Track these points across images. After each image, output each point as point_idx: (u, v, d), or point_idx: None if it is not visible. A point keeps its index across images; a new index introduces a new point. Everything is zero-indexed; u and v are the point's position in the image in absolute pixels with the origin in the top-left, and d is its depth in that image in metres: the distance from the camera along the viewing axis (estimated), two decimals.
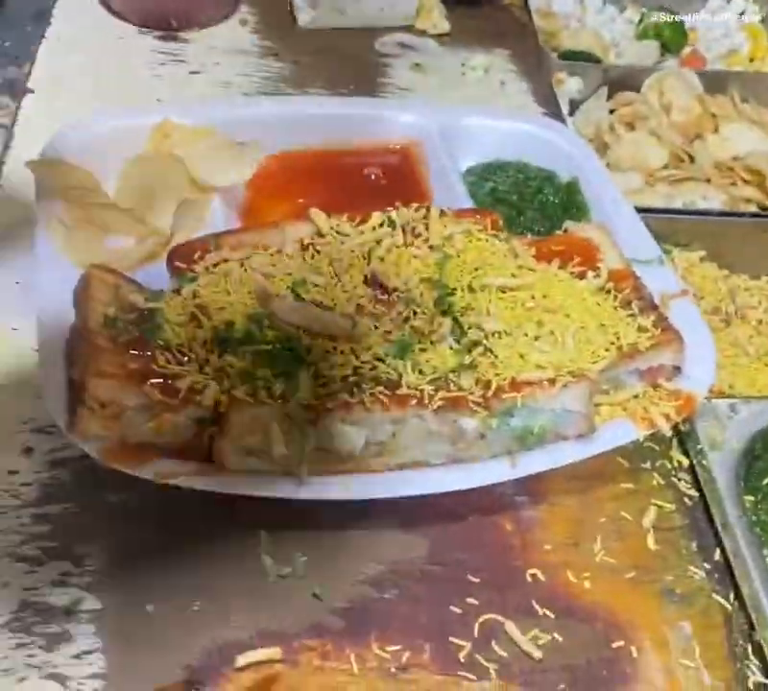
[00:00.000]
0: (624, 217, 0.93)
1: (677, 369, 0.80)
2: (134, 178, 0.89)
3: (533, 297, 0.79)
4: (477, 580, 0.72)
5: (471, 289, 0.79)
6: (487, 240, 0.82)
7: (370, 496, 0.71)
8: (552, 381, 0.73)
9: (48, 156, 0.89)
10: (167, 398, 0.68)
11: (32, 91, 1.08)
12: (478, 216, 0.85)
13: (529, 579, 0.73)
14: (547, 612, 0.71)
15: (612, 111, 1.28)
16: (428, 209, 0.85)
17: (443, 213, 0.84)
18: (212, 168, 0.91)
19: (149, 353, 0.70)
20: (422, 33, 1.24)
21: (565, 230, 0.88)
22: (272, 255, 0.80)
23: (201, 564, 0.70)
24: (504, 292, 0.79)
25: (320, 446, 0.71)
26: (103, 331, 0.71)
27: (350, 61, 1.19)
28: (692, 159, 1.24)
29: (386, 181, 1.01)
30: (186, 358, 0.71)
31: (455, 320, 0.77)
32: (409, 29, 1.25)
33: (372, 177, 1.01)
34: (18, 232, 0.91)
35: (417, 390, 0.72)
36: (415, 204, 0.84)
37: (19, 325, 0.84)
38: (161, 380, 0.69)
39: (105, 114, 0.94)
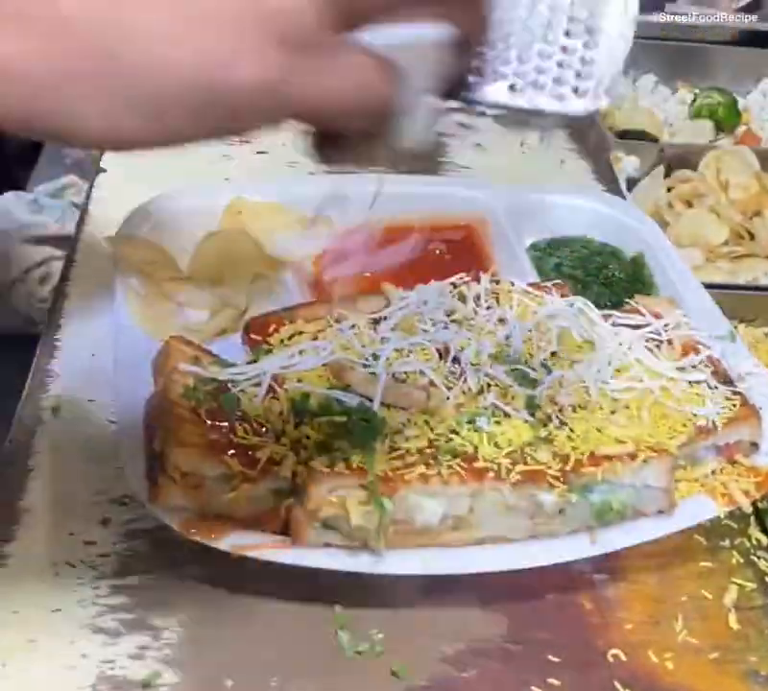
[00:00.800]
0: (692, 292, 0.94)
1: (754, 446, 0.79)
2: (208, 254, 0.91)
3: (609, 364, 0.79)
4: (558, 659, 0.71)
5: (544, 362, 0.80)
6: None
7: (449, 572, 0.70)
8: (633, 456, 0.72)
9: (124, 233, 0.91)
10: (246, 469, 0.69)
11: (104, 170, 1.12)
12: (548, 288, 0.86)
13: (610, 659, 0.71)
14: None
15: (669, 189, 1.30)
16: (498, 282, 0.86)
17: (512, 285, 0.85)
18: (283, 243, 0.93)
19: (228, 424, 0.71)
20: (481, 113, 1.27)
21: (635, 304, 0.88)
22: (345, 328, 0.81)
23: (278, 639, 0.69)
24: (579, 363, 0.79)
25: (396, 519, 0.70)
26: (183, 401, 0.72)
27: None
28: (752, 236, 1.24)
29: (450, 257, 1.03)
30: (264, 429, 0.72)
31: (529, 393, 0.77)
32: (467, 110, 1.27)
33: (437, 252, 1.03)
34: (94, 305, 0.93)
35: (493, 463, 0.71)
36: (485, 276, 0.86)
37: (96, 397, 0.85)
38: (241, 451, 0.70)
39: (178, 193, 0.97)
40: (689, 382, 0.79)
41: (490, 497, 0.71)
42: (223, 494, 0.69)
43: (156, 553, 0.74)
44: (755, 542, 0.80)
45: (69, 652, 0.67)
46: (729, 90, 1.48)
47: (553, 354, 0.80)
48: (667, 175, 1.31)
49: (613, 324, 0.84)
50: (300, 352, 0.77)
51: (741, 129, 1.48)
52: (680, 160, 1.31)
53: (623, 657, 0.71)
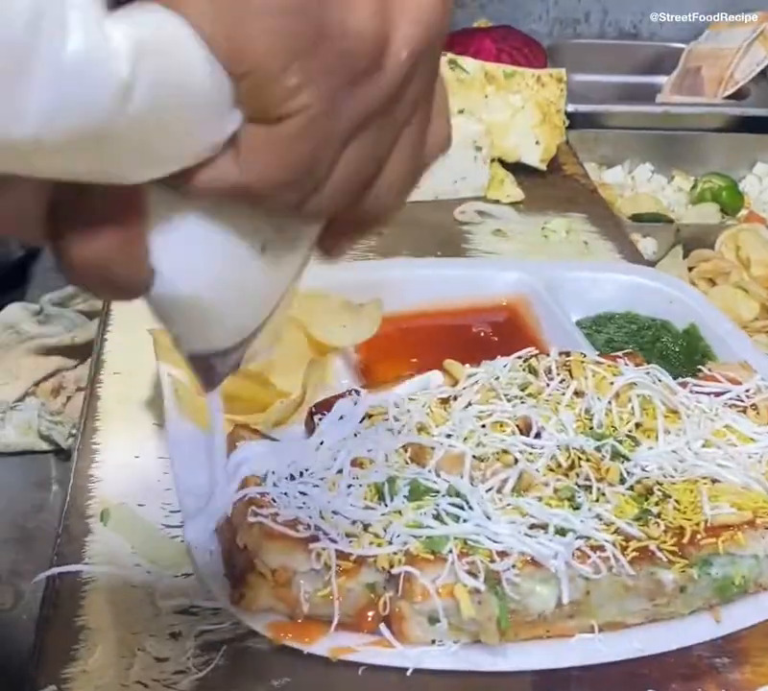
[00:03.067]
0: (757, 358, 0.90)
1: None
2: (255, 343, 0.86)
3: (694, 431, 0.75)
4: None
5: (629, 434, 0.75)
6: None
7: (570, 664, 0.63)
8: (752, 523, 0.67)
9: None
10: (340, 561, 0.62)
11: None
12: (620, 357, 0.82)
13: None
14: None
15: (689, 269, 1.29)
16: (568, 354, 0.82)
17: (583, 356, 0.81)
18: (332, 329, 0.89)
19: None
20: (497, 201, 1.26)
21: (709, 370, 0.84)
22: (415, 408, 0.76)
23: None
24: (668, 432, 0.75)
25: (509, 608, 0.64)
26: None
27: (433, 230, 1.19)
28: None
29: (497, 338, 0.99)
30: (352, 521, 0.66)
31: (623, 466, 0.72)
32: (483, 199, 1.27)
33: (482, 334, 0.99)
34: (132, 405, 0.87)
35: (604, 541, 0.66)
36: (554, 348, 0.82)
37: (145, 501, 0.78)
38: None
39: None
40: None
41: (606, 579, 0.65)
42: (315, 592, 0.63)
43: (238, 666, 0.66)
44: None
45: None
46: (728, 175, 1.50)
47: (637, 425, 0.76)
48: (685, 255, 1.30)
49: (692, 392, 0.81)
50: (375, 432, 0.72)
51: (743, 212, 1.49)
52: (696, 240, 1.31)
53: None
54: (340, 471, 0.68)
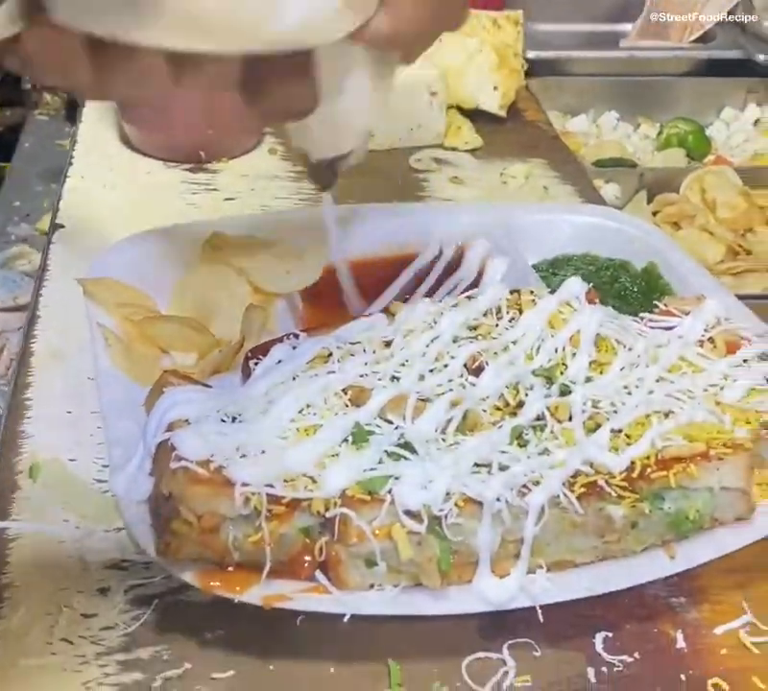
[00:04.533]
0: (717, 294, 0.87)
1: None
2: (190, 291, 0.83)
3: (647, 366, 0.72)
4: None
5: (582, 370, 0.72)
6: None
7: (514, 606, 0.60)
8: (705, 455, 0.64)
9: (96, 275, 0.82)
10: (271, 505, 0.59)
11: (62, 226, 1.03)
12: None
13: (712, 689, 0.61)
14: None
15: (654, 213, 1.25)
16: (519, 292, 0.78)
17: (533, 294, 0.78)
18: (273, 276, 0.85)
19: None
20: (455, 149, 1.22)
21: (665, 305, 0.81)
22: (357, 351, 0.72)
23: None
24: (622, 369, 0.72)
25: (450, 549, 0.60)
26: None
27: (387, 178, 1.16)
28: (747, 252, 1.19)
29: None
30: None
31: (573, 401, 0.69)
32: (441, 146, 1.22)
33: (434, 279, 0.95)
34: (66, 360, 0.84)
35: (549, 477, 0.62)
36: (502, 286, 0.78)
37: (77, 456, 0.75)
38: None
39: (150, 233, 0.89)
40: (745, 377, 0.71)
41: (553, 515, 0.61)
42: (245, 538, 0.59)
43: (168, 619, 0.63)
44: None
45: None
46: (694, 120, 1.46)
47: (591, 362, 0.73)
48: (650, 200, 1.26)
49: (648, 327, 0.77)
50: (312, 377, 0.69)
51: (710, 157, 1.45)
52: (660, 184, 1.27)
53: (725, 687, 0.61)
54: (275, 416, 0.65)
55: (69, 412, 0.79)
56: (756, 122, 1.52)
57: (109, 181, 1.11)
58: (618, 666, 0.62)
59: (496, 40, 1.28)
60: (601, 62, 1.51)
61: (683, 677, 0.62)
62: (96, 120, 1.25)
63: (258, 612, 0.59)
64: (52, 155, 1.35)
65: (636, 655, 0.63)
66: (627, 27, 1.67)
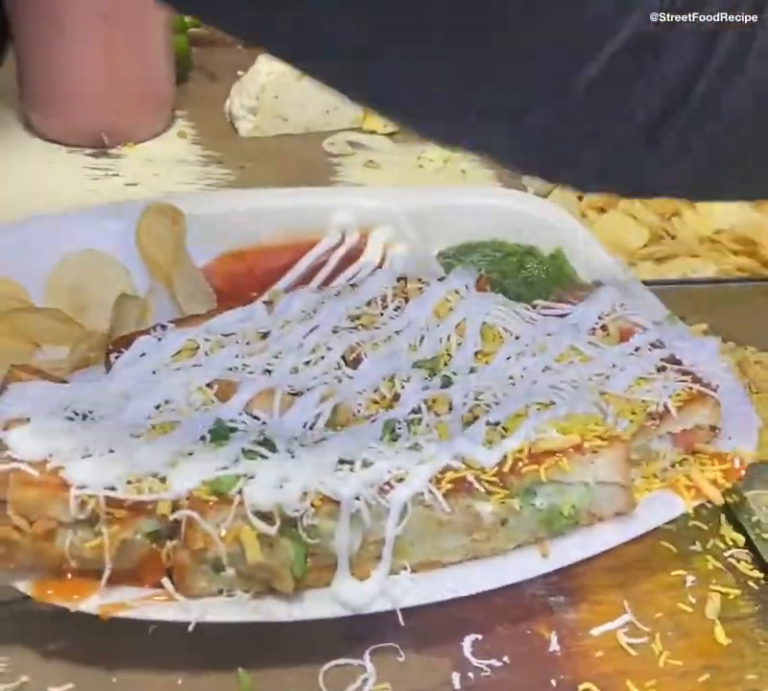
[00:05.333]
0: (621, 280, 0.84)
1: (714, 430, 0.69)
2: (64, 281, 0.79)
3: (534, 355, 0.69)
4: None
5: (465, 361, 0.69)
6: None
7: (376, 609, 0.57)
8: (579, 448, 0.61)
9: None
10: (111, 508, 0.55)
11: None
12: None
13: None
14: None
15: (580, 199, 1.22)
16: (405, 280, 0.75)
17: (421, 282, 0.75)
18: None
19: None
20: (372, 132, 1.19)
21: (562, 292, 0.78)
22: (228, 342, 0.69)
23: None
24: (508, 359, 0.69)
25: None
26: None
27: (299, 163, 1.12)
28: (671, 237, 1.16)
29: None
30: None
31: (451, 394, 0.65)
32: (358, 130, 1.19)
33: (332, 267, 0.92)
34: None
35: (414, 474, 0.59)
36: (387, 272, 0.75)
37: None
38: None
39: (23, 221, 0.85)
40: (634, 366, 0.68)
41: (416, 514, 0.58)
42: (83, 543, 0.56)
43: (7, 630, 0.59)
44: (730, 542, 0.69)
45: None
46: None
47: (477, 353, 0.70)
48: None
49: (540, 315, 0.74)
50: (174, 371, 0.65)
51: None
52: None
53: None
54: (130, 413, 0.61)
55: None
56: None
57: (8, 171, 1.07)
58: (486, 671, 0.59)
59: None
60: None
61: (553, 682, 0.59)
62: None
63: (105, 623, 0.55)
64: None
65: (506, 659, 0.60)
66: None
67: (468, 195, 0.99)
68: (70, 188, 1.04)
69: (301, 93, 1.16)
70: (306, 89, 1.14)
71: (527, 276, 0.91)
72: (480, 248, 0.94)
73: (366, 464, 0.59)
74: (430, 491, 0.58)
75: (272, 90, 1.15)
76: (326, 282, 0.88)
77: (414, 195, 0.97)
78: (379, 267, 0.90)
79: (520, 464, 0.60)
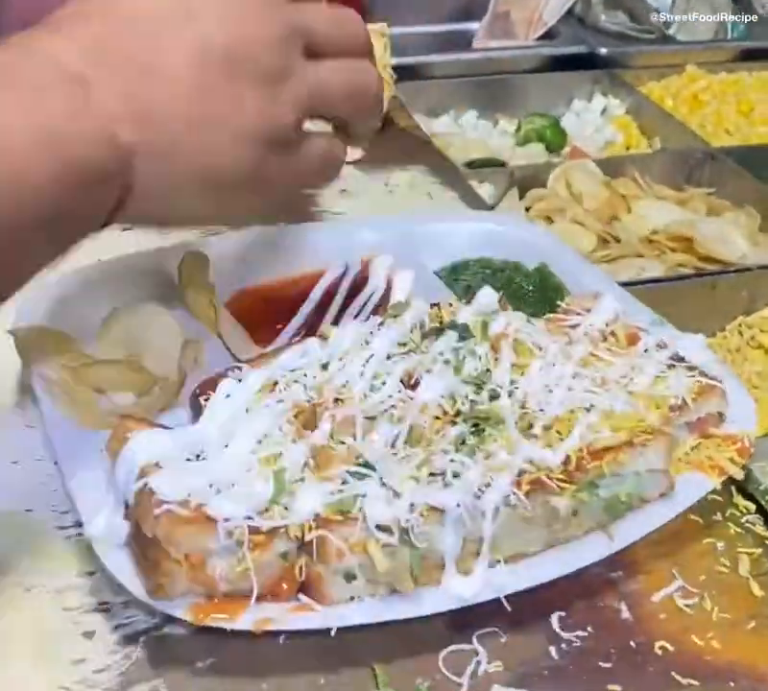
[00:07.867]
0: (607, 288, 0.95)
1: (720, 416, 0.80)
2: (118, 330, 0.85)
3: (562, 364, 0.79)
4: (609, 665, 0.68)
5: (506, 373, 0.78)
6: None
7: (482, 599, 0.66)
8: (630, 443, 0.71)
9: (24, 323, 0.84)
10: (252, 535, 0.63)
11: None
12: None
13: (659, 651, 0.69)
14: (692, 681, 0.67)
15: (527, 209, 1.33)
16: (438, 305, 0.84)
17: (451, 306, 0.84)
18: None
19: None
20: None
21: (567, 304, 0.88)
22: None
23: None
24: (541, 369, 0.78)
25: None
26: None
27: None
28: (617, 240, 1.28)
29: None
30: None
31: (502, 406, 0.75)
32: None
33: (344, 295, 1.00)
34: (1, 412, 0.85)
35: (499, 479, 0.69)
36: (419, 301, 0.84)
37: (32, 506, 0.76)
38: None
39: (67, 276, 0.90)
40: (649, 366, 0.79)
41: (506, 513, 0.68)
42: (231, 569, 0.63)
43: (159, 654, 0.66)
44: (744, 510, 0.81)
45: None
46: (549, 114, 1.55)
47: (512, 366, 0.79)
48: (522, 196, 1.34)
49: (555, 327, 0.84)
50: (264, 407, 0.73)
51: (566, 149, 1.54)
52: (529, 181, 1.34)
53: (671, 648, 0.69)
54: (237, 449, 0.69)
55: (15, 462, 0.80)
56: (604, 111, 1.62)
57: None
58: (576, 641, 0.69)
59: None
60: (457, 64, 1.58)
61: (632, 644, 0.69)
62: None
63: (244, 637, 0.63)
64: None
65: (589, 629, 0.70)
66: (473, 26, 1.75)
67: (452, 219, 1.09)
68: None
69: None
70: None
71: (517, 290, 1.01)
72: (471, 266, 1.03)
73: (455, 475, 0.68)
74: (514, 493, 0.68)
75: None
76: (341, 311, 0.96)
77: (402, 223, 1.06)
78: (386, 291, 0.98)
79: (583, 461, 0.70)
